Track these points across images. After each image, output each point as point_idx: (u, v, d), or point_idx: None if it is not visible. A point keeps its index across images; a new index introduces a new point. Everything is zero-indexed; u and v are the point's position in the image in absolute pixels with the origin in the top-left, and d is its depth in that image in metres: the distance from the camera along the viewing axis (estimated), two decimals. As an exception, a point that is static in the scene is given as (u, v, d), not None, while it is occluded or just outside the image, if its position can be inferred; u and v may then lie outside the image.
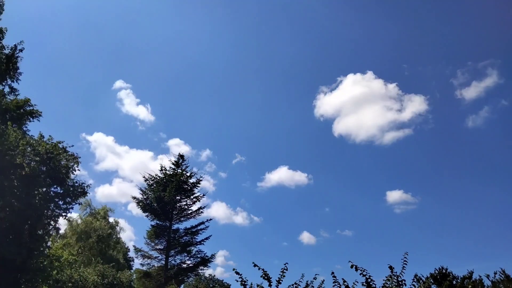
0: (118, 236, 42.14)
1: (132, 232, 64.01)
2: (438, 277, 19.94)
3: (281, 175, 75.81)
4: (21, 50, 21.57)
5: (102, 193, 67.76)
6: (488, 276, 19.27)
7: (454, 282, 19.57)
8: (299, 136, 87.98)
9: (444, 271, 20.26)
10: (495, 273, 19.07)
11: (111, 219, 41.73)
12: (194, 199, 28.22)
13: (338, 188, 79.77)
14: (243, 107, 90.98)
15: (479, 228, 64.96)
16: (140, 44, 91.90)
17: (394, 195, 71.19)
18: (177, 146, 74.90)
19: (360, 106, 73.45)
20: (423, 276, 19.39)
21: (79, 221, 39.06)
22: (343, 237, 66.47)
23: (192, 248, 27.29)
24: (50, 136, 18.67)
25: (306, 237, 66.91)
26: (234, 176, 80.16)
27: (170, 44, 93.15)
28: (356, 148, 77.00)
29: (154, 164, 79.86)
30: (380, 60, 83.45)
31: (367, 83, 71.11)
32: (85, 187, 20.33)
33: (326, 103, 76.13)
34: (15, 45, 21.42)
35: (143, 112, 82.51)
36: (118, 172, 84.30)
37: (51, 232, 18.77)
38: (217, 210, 67.93)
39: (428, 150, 78.74)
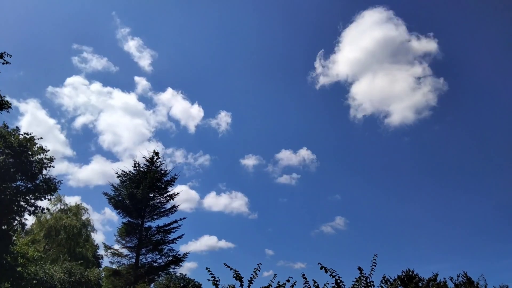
0: (89, 233, 41.11)
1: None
2: (405, 279, 20.54)
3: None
4: None
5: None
6: (451, 279, 20.03)
7: (420, 284, 20.23)
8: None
9: (410, 273, 20.88)
10: (458, 276, 19.87)
11: (83, 217, 40.68)
12: (167, 197, 27.88)
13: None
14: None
15: (446, 228, 67.16)
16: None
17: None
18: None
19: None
20: (391, 278, 19.97)
21: (48, 216, 37.79)
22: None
23: (164, 246, 26.98)
24: (16, 127, 18.03)
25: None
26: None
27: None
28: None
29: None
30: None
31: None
32: (57, 183, 19.78)
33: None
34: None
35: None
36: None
37: (16, 228, 18.14)
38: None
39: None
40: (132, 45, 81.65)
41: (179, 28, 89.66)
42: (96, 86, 78.18)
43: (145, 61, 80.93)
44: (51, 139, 65.42)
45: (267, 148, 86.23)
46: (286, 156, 74.74)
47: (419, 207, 72.51)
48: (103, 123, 78.23)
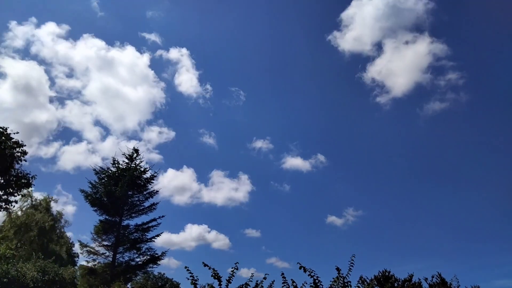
0: (62, 229, 40.13)
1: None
2: (382, 279, 20.91)
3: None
4: None
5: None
6: (426, 279, 20.51)
7: (396, 284, 20.63)
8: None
9: (387, 273, 21.26)
10: (433, 277, 20.36)
11: (54, 211, 39.61)
12: (147, 195, 27.51)
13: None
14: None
15: (420, 229, 68.62)
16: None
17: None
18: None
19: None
20: (367, 278, 20.31)
21: (19, 213, 36.68)
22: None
23: (142, 245, 26.58)
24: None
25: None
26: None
27: None
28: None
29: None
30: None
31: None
32: (30, 178, 19.18)
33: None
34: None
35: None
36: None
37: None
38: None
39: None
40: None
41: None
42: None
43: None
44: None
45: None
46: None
47: (394, 208, 73.87)
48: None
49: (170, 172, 69.79)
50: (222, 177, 72.47)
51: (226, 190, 71.34)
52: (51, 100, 73.23)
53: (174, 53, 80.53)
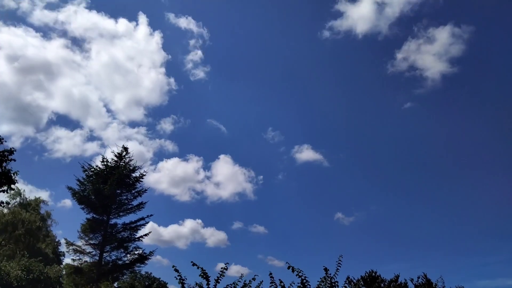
0: (49, 228, 39.60)
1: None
2: (368, 279, 21.09)
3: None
4: None
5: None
6: (412, 280, 20.74)
7: (382, 285, 20.84)
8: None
9: (373, 274, 21.46)
10: (418, 277, 20.60)
11: (43, 211, 39.12)
12: (135, 194, 27.30)
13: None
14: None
15: (408, 228, 69.13)
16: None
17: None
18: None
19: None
20: (354, 279, 20.49)
21: (5, 211, 36.05)
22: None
23: (130, 244, 26.37)
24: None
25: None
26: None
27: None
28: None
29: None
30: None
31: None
32: (13, 175, 18.81)
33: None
34: None
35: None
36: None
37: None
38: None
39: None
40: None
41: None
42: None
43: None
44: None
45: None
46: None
47: (381, 206, 74.06)
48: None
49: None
50: (231, 167, 70.98)
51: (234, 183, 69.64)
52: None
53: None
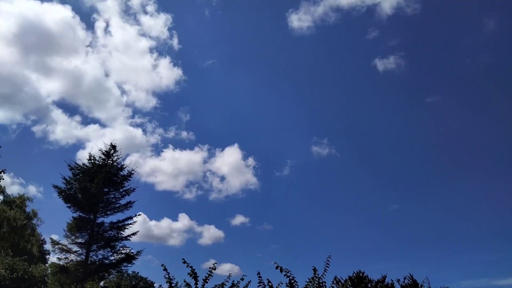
0: (34, 226, 38.93)
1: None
2: (356, 280, 21.25)
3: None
4: None
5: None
6: (398, 281, 20.96)
7: (370, 285, 21.00)
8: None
9: (361, 274, 21.63)
10: (405, 278, 20.82)
11: (29, 209, 38.45)
12: (123, 193, 26.99)
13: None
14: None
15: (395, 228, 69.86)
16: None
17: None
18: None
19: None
20: (342, 279, 20.61)
21: (-11, 208, 35.35)
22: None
23: (117, 243, 26.08)
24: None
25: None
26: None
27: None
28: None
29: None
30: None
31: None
32: (-1, 172, 18.48)
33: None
34: None
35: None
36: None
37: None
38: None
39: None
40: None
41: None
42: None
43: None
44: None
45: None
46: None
47: (372, 206, 74.67)
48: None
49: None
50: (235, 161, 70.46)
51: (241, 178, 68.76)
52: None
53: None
